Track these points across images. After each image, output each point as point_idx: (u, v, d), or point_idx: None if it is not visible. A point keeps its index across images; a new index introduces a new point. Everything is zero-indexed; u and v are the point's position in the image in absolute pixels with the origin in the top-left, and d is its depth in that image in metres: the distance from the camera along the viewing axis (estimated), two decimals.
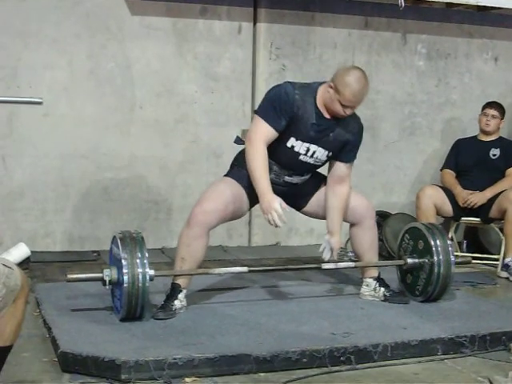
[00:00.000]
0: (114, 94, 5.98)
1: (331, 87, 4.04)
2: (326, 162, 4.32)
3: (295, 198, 4.41)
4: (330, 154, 4.26)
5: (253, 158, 4.04)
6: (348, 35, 6.59)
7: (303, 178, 4.33)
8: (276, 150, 4.12)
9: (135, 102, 6.04)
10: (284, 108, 4.04)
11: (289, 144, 4.16)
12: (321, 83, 4.18)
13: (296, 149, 4.17)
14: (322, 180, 4.43)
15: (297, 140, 4.15)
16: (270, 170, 4.16)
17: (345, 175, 4.33)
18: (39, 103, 5.76)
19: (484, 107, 6.10)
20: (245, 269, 4.26)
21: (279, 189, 4.24)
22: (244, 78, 6.33)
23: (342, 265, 4.39)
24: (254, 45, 6.32)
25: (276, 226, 4.02)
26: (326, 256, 4.33)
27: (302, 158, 4.20)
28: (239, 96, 6.33)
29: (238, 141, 4.39)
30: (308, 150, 4.18)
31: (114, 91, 5.97)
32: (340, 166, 4.31)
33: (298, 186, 4.34)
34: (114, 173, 6.03)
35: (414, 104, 6.87)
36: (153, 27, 6.03)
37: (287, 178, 4.26)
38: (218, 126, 6.24)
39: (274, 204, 3.95)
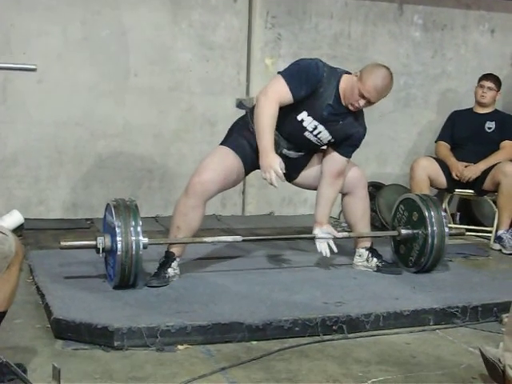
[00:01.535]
0: (109, 62, 5.94)
1: (357, 75, 4.11)
2: (324, 145, 4.35)
3: (288, 169, 4.42)
4: (333, 140, 4.29)
5: (263, 113, 4.02)
6: (344, 5, 6.55)
7: (300, 153, 4.35)
8: (285, 120, 4.12)
9: (130, 69, 6.00)
10: (310, 80, 4.06)
11: (299, 117, 4.16)
12: (346, 72, 4.22)
13: (304, 124, 4.18)
14: (313, 153, 4.44)
15: (308, 115, 4.16)
16: None
17: (344, 169, 4.36)
18: (33, 70, 5.72)
19: (480, 79, 6.08)
20: (239, 238, 4.26)
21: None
22: (239, 47, 6.29)
23: (337, 235, 4.39)
24: (250, 13, 6.27)
25: (271, 184, 4.02)
26: (326, 251, 4.35)
27: (306, 134, 4.22)
28: (234, 65, 6.29)
29: (241, 105, 4.37)
30: (315, 128, 4.20)
31: (109, 58, 5.94)
32: (340, 161, 4.33)
33: (294, 159, 4.35)
34: (108, 140, 6.01)
35: (410, 75, 6.84)
36: None
37: (285, 151, 4.27)
38: (213, 95, 6.22)
39: (275, 165, 3.96)
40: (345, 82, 4.14)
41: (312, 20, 6.46)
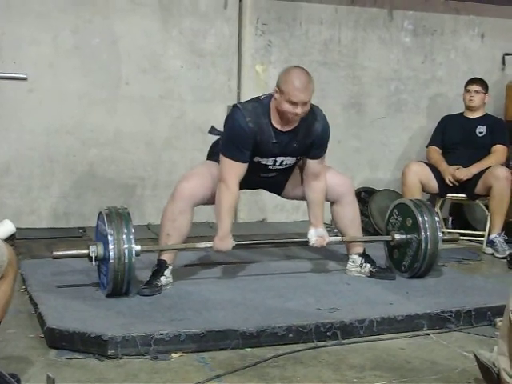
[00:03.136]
0: (100, 70, 5.94)
1: (276, 91, 4.03)
2: (297, 162, 4.35)
3: (273, 186, 4.51)
4: (299, 157, 4.31)
5: (223, 198, 4.08)
6: (334, 11, 6.56)
7: (278, 172, 4.36)
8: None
9: (121, 77, 6.00)
10: (243, 142, 4.05)
11: (255, 160, 4.19)
12: (270, 96, 4.13)
13: (263, 162, 4.22)
14: (295, 165, 4.42)
15: (262, 158, 4.19)
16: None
17: (318, 171, 4.33)
18: (24, 79, 5.71)
19: (466, 84, 6.09)
20: (233, 242, 4.24)
21: (256, 179, 4.34)
22: (230, 54, 6.30)
23: (330, 239, 4.39)
24: (240, 20, 6.28)
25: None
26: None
27: (270, 167, 4.26)
28: (225, 72, 6.30)
29: (213, 131, 4.39)
30: (275, 161, 4.23)
31: (100, 67, 5.93)
32: (312, 164, 4.31)
33: (274, 177, 4.38)
34: (100, 149, 6.00)
35: (400, 80, 6.86)
36: (138, 2, 5.98)
37: (263, 174, 4.33)
38: (204, 102, 6.23)
39: (228, 248, 4.10)
40: (273, 110, 4.08)
41: (302, 26, 6.47)
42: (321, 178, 4.34)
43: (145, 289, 3.97)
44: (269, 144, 4.11)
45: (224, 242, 4.08)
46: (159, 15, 6.05)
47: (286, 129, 4.12)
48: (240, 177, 4.11)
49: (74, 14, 5.80)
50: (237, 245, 4.22)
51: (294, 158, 4.28)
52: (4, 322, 2.86)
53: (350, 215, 4.51)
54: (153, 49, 6.08)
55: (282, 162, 4.24)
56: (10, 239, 5.14)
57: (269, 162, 4.21)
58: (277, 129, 4.10)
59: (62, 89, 5.83)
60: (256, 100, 4.19)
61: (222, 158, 4.11)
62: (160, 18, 6.06)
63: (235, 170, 4.09)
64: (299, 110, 4.00)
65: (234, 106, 4.16)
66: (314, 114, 4.19)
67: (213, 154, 4.37)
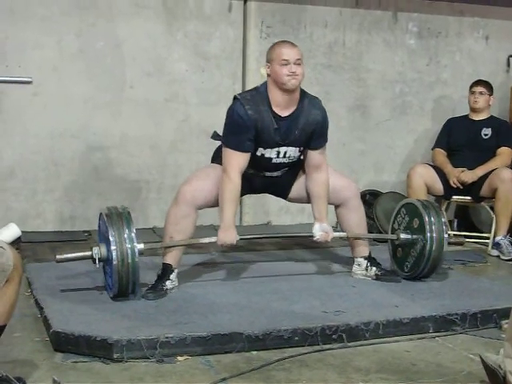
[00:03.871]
0: (104, 74, 5.94)
1: (268, 67, 4.12)
2: (300, 155, 4.34)
3: (279, 188, 4.49)
4: (302, 148, 4.29)
5: (225, 190, 4.08)
6: (339, 14, 6.56)
7: (283, 170, 4.36)
8: (250, 162, 4.17)
9: (125, 81, 6.00)
10: (244, 131, 4.08)
11: (258, 153, 4.19)
12: (265, 82, 4.20)
13: (267, 155, 4.22)
14: (300, 166, 4.43)
15: (265, 149, 4.19)
16: (248, 170, 4.20)
17: (320, 162, 4.33)
18: (29, 82, 5.72)
19: (471, 86, 6.10)
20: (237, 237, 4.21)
21: (261, 181, 4.36)
22: (235, 57, 6.30)
23: (335, 234, 4.37)
24: (245, 23, 6.28)
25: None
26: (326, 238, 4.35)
27: (274, 161, 4.25)
28: (230, 75, 6.30)
29: (216, 136, 4.39)
30: (279, 153, 4.22)
31: (104, 70, 5.94)
32: (313, 155, 4.31)
33: (280, 177, 4.38)
34: (105, 152, 6.00)
35: (405, 83, 6.85)
36: (142, 5, 5.98)
37: (267, 173, 4.34)
38: (209, 105, 6.22)
39: (232, 241, 4.10)
40: (270, 89, 4.12)
41: (307, 29, 6.47)
42: (322, 169, 4.33)
43: (150, 293, 3.96)
44: (270, 131, 4.11)
45: (228, 233, 4.08)
46: (163, 18, 6.05)
47: (286, 113, 4.14)
48: (242, 168, 4.11)
49: (78, 18, 5.80)
50: (241, 239, 4.18)
51: (297, 149, 4.26)
52: (10, 326, 2.87)
53: (356, 219, 4.50)
54: (157, 52, 6.08)
55: (286, 153, 4.23)
56: (16, 243, 5.16)
57: (272, 153, 4.21)
58: (277, 114, 4.12)
59: (67, 92, 5.83)
60: (254, 89, 4.28)
61: (224, 150, 4.13)
62: (164, 21, 6.06)
63: (237, 160, 4.09)
64: (294, 69, 4.04)
65: (234, 98, 4.19)
66: (312, 102, 4.25)
67: (216, 157, 4.37)
